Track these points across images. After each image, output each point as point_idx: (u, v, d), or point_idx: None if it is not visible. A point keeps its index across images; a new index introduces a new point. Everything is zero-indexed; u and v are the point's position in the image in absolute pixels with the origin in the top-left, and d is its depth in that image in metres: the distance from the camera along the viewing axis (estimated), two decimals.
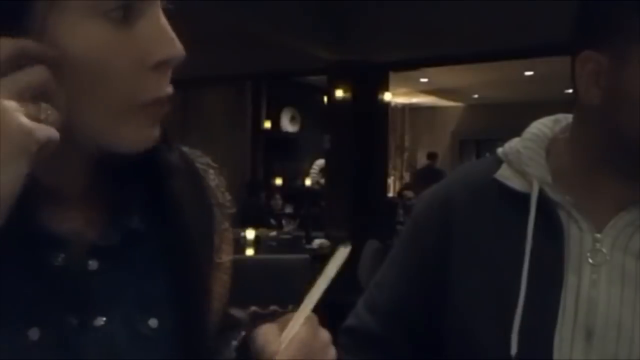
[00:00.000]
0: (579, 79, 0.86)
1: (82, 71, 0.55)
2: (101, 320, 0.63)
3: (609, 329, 0.86)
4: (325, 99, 7.31)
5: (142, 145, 0.61)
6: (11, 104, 0.50)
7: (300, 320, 0.64)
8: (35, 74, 0.52)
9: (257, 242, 5.35)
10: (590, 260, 0.88)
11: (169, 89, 0.60)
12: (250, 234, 5.15)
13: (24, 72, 0.52)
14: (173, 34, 0.59)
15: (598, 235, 0.88)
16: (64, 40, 0.55)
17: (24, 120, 0.50)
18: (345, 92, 6.80)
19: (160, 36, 0.58)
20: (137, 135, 0.59)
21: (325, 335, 0.67)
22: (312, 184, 9.94)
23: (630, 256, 0.87)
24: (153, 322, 0.66)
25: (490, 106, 10.97)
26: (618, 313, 0.86)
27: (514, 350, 0.86)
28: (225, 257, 0.78)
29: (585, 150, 0.90)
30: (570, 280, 0.88)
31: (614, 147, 0.86)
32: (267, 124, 9.92)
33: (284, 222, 7.77)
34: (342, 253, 0.67)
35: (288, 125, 10.29)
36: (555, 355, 0.86)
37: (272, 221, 7.70)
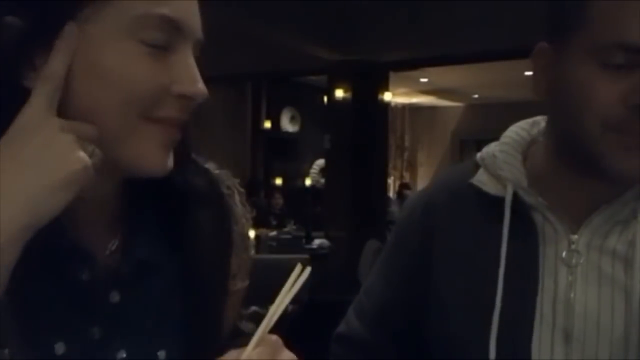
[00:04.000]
0: (533, 68, 0.90)
1: (109, 82, 0.59)
2: (123, 354, 0.65)
3: (588, 330, 0.85)
4: (325, 99, 7.31)
5: (155, 171, 0.62)
6: (72, 138, 0.56)
7: (256, 339, 0.64)
8: (89, 127, 0.59)
9: (257, 242, 5.36)
10: (566, 262, 0.88)
11: (185, 116, 0.63)
12: (250, 234, 5.15)
13: (80, 123, 0.59)
14: (199, 76, 0.63)
15: (574, 237, 0.88)
16: (97, 53, 0.58)
17: (82, 154, 0.56)
18: (345, 92, 6.80)
19: (188, 74, 0.62)
20: (146, 153, 0.61)
21: (287, 356, 0.65)
22: (312, 183, 9.95)
23: (606, 255, 0.87)
24: (162, 354, 0.68)
25: (490, 106, 10.97)
26: (596, 314, 0.86)
27: (492, 355, 0.86)
28: (241, 283, 0.79)
29: (552, 151, 0.91)
30: (546, 282, 0.87)
31: (565, 145, 0.88)
32: (267, 124, 9.93)
33: (285, 222, 7.77)
34: (304, 273, 0.66)
35: (288, 125, 10.29)
36: (535, 359, 0.86)
37: (273, 221, 7.70)
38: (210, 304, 0.72)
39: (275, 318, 0.64)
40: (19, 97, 0.57)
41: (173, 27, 0.60)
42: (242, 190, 0.80)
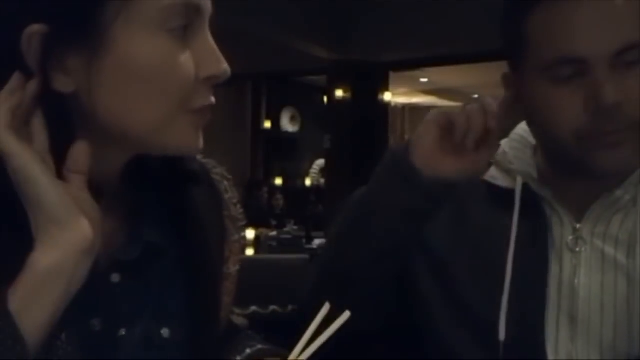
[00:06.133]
0: (505, 92, 0.95)
1: (144, 77, 0.59)
2: (123, 331, 0.65)
3: (592, 313, 0.89)
4: (325, 99, 7.31)
5: (191, 151, 0.66)
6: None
7: None
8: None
9: (257, 242, 5.35)
10: (571, 248, 0.92)
11: (213, 99, 0.64)
12: (250, 234, 5.15)
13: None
14: (221, 54, 0.64)
15: (578, 225, 0.92)
16: (130, 48, 0.58)
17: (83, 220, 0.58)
18: (345, 92, 6.80)
19: (212, 54, 0.63)
20: (184, 139, 0.63)
21: None
22: (313, 183, 9.94)
23: (610, 242, 0.91)
24: (165, 332, 0.68)
25: None
26: (600, 297, 0.89)
27: (502, 336, 0.88)
28: (233, 267, 0.81)
29: (545, 156, 0.96)
30: (553, 268, 0.91)
31: (551, 154, 0.94)
32: (267, 124, 9.92)
33: (286, 222, 7.76)
34: (343, 318, 0.65)
35: (288, 125, 10.29)
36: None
37: (273, 221, 7.69)
38: (210, 285, 0.74)
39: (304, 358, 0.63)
40: (51, 103, 0.58)
41: (194, 10, 0.61)
42: (229, 177, 0.82)
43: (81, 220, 0.57)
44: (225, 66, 0.63)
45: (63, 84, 0.58)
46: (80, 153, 0.59)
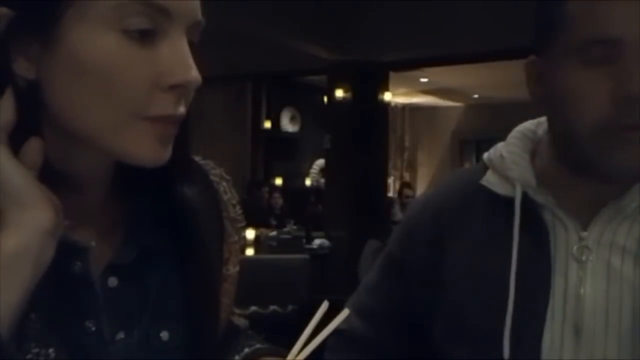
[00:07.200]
0: (527, 80, 0.92)
1: (95, 78, 0.57)
2: (121, 335, 0.65)
3: (597, 325, 0.87)
4: (325, 99, 7.31)
5: (149, 162, 0.61)
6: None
7: None
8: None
9: (257, 242, 5.36)
10: (576, 258, 0.89)
11: (181, 110, 0.61)
12: (250, 234, 5.15)
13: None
14: (192, 61, 0.60)
15: (584, 233, 0.89)
16: (83, 47, 0.57)
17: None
18: (345, 92, 6.80)
19: (179, 61, 0.59)
20: (141, 149, 0.60)
21: None
22: (313, 183, 9.95)
23: (616, 251, 0.88)
24: (164, 335, 0.68)
25: (490, 106, 10.96)
26: (605, 309, 0.87)
27: (506, 355, 0.87)
28: (233, 268, 0.80)
29: (554, 154, 0.93)
30: (557, 279, 0.89)
31: (562, 148, 0.90)
32: (267, 124, 9.93)
33: (285, 222, 7.76)
34: (342, 316, 0.64)
35: (288, 125, 10.29)
36: (545, 354, 0.87)
37: (273, 221, 7.70)
38: (209, 287, 0.73)
39: (302, 357, 0.62)
40: (16, 88, 0.57)
41: (159, 12, 0.57)
42: (228, 178, 0.80)
43: (43, 202, 0.56)
44: (193, 74, 0.59)
45: (25, 69, 0.57)
46: (32, 149, 0.58)
